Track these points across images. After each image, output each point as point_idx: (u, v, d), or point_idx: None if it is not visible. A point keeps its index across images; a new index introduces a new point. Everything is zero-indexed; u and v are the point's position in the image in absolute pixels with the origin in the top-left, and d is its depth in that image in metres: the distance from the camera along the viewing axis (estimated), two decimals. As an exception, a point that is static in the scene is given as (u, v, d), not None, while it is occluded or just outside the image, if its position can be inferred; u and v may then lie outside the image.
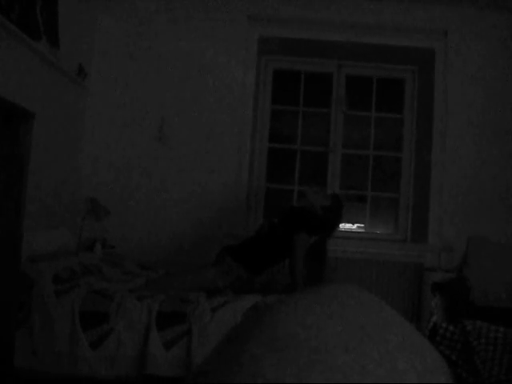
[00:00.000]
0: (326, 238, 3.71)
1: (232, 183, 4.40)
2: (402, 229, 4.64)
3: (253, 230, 3.77)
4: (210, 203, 4.39)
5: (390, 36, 4.50)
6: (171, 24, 4.46)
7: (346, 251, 4.35)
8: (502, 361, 0.94)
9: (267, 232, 3.47)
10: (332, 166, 4.67)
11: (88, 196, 4.27)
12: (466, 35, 4.45)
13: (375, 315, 0.82)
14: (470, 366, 0.97)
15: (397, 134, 4.76)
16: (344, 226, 4.78)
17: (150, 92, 4.44)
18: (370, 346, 0.69)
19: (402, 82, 4.77)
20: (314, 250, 3.48)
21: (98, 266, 3.48)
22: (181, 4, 4.48)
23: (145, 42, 4.46)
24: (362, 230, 4.80)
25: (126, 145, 4.41)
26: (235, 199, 4.39)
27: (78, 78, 4.06)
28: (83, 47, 4.24)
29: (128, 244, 4.32)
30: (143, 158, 4.40)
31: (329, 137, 4.70)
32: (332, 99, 4.72)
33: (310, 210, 3.49)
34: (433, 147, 4.45)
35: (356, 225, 4.86)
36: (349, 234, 4.67)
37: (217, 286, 3.14)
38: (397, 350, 0.75)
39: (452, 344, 1.07)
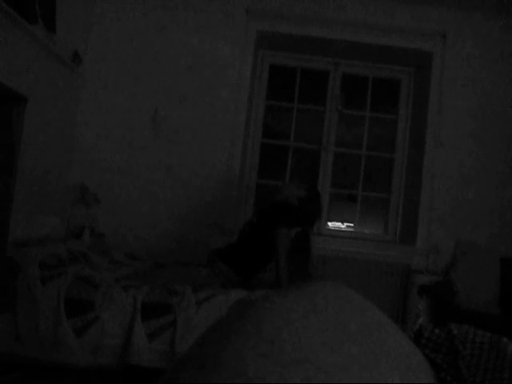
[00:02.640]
0: (309, 231, 3.69)
1: (223, 177, 4.38)
2: (392, 230, 4.65)
3: (242, 223, 3.74)
4: (201, 196, 4.37)
5: (389, 36, 4.48)
6: (168, 14, 4.42)
7: (335, 250, 4.35)
8: (487, 366, 0.93)
9: (248, 234, 3.44)
10: (324, 165, 4.66)
11: (78, 183, 4.25)
12: (465, 39, 4.44)
13: (361, 315, 0.81)
14: (455, 370, 0.97)
15: (390, 135, 4.76)
16: (333, 225, 4.79)
17: (144, 82, 4.40)
18: (354, 346, 0.68)
19: (398, 82, 4.77)
20: (297, 244, 3.45)
21: (85, 254, 3.45)
22: (180, -6, 4.45)
23: (141, 31, 4.42)
24: (352, 230, 4.81)
25: (118, 134, 4.37)
26: (226, 193, 4.37)
27: (73, 64, 4.02)
28: (79, 33, 4.19)
29: (117, 233, 4.30)
30: (136, 148, 4.37)
31: (322, 135, 4.70)
32: (327, 97, 4.72)
33: (286, 203, 3.47)
34: (425, 150, 4.45)
35: (346, 224, 4.86)
36: (338, 233, 4.68)
37: (206, 283, 3.12)
38: (381, 352, 0.74)
39: (437, 347, 1.06)
